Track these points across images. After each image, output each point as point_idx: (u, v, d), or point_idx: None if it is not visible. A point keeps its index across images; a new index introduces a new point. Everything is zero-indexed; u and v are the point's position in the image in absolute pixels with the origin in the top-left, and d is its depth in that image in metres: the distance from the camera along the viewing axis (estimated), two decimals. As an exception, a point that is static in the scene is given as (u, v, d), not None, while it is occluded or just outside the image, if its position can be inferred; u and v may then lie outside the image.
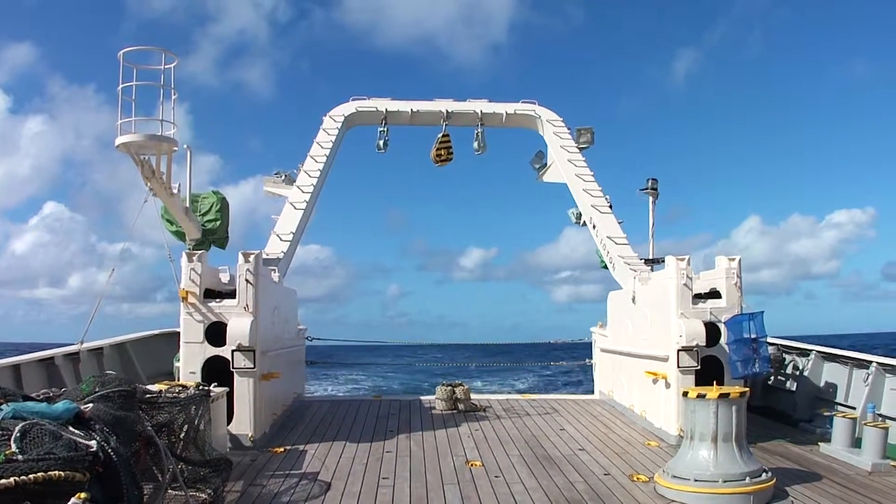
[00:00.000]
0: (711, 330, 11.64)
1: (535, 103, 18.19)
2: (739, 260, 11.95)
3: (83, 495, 4.44)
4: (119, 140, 11.27)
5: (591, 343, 18.48)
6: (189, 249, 13.02)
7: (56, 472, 4.71)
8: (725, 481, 8.23)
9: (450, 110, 17.75)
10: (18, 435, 5.05)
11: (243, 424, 11.24)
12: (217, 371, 11.29)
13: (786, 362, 14.06)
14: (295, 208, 15.80)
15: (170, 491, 7.38)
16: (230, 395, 11.00)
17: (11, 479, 4.55)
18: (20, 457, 4.81)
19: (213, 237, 14.97)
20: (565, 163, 17.21)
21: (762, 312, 11.55)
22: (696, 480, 8.32)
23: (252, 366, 11.34)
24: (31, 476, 4.62)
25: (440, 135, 17.70)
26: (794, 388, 13.63)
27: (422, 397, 16.95)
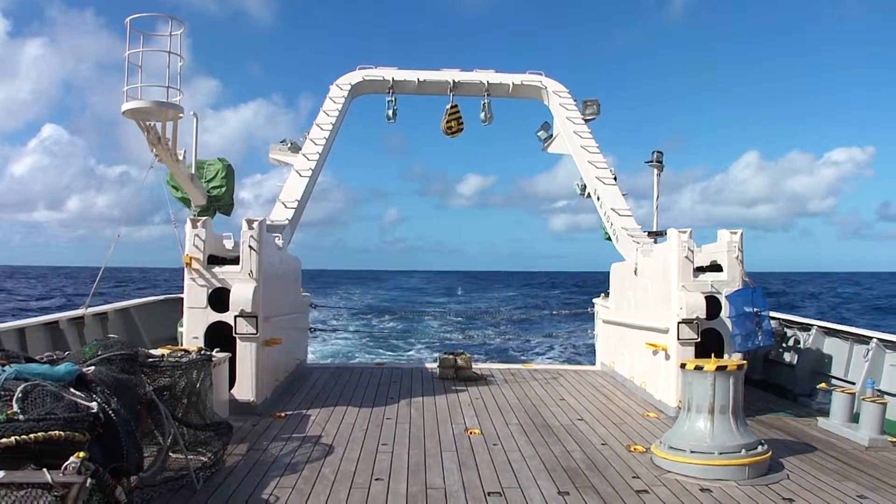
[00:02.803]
0: (712, 303, 11.68)
1: (541, 74, 18.11)
2: (741, 233, 11.97)
3: (82, 454, 4.53)
4: (125, 106, 11.27)
5: (592, 311, 18.58)
6: (194, 215, 13.06)
7: (56, 432, 4.79)
8: (721, 453, 8.29)
9: (456, 80, 17.69)
10: (20, 395, 5.14)
11: (245, 390, 11.34)
12: (220, 336, 11.38)
13: (786, 336, 14.09)
14: (300, 176, 15.82)
15: (171, 454, 7.50)
16: (232, 361, 11.10)
17: (12, 438, 4.64)
18: (21, 417, 4.89)
19: (218, 204, 15.00)
20: (571, 134, 17.16)
21: (762, 288, 11.59)
22: (692, 452, 8.38)
23: (254, 332, 11.42)
24: (31, 436, 4.70)
25: (448, 106, 17.65)
26: (793, 363, 13.67)
27: (423, 365, 17.09)
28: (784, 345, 14.04)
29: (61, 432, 4.80)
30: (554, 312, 25.70)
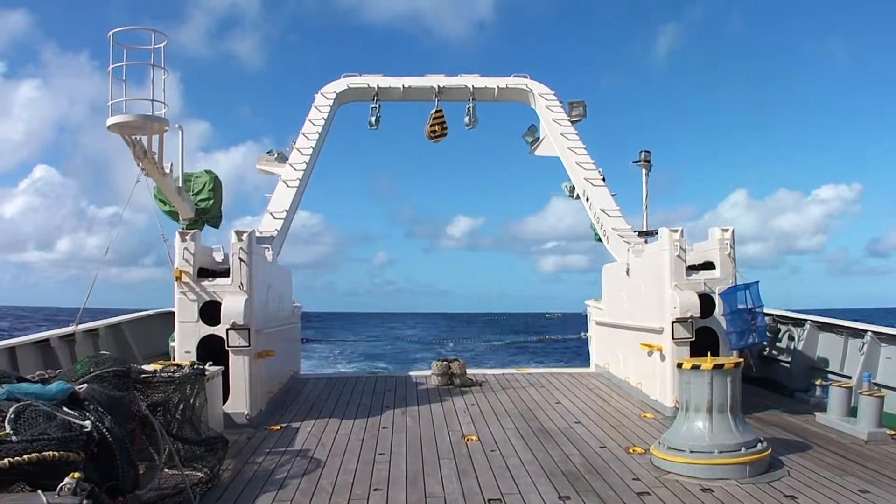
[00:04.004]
0: (706, 301, 11.63)
1: (526, 77, 18.09)
2: (733, 231, 11.93)
3: (77, 475, 4.44)
4: (110, 121, 11.19)
5: (584, 316, 18.54)
6: (182, 229, 12.96)
7: (51, 453, 4.71)
8: (721, 452, 8.25)
9: (441, 85, 17.65)
10: (13, 416, 5.05)
11: (239, 403, 11.24)
12: (212, 350, 11.27)
13: (781, 333, 14.09)
14: (288, 186, 15.76)
15: (166, 470, 7.39)
16: (225, 374, 11.00)
17: (6, 460, 4.55)
18: (14, 438, 4.80)
19: (207, 216, 14.90)
20: (558, 136, 17.15)
21: (757, 283, 11.53)
22: (691, 452, 8.34)
23: (247, 344, 11.32)
24: (25, 457, 4.61)
25: (433, 111, 17.62)
26: (789, 359, 13.67)
27: (417, 373, 17.01)
28: (779, 341, 14.04)
29: (55, 452, 4.71)
30: (547, 315, 25.68)
